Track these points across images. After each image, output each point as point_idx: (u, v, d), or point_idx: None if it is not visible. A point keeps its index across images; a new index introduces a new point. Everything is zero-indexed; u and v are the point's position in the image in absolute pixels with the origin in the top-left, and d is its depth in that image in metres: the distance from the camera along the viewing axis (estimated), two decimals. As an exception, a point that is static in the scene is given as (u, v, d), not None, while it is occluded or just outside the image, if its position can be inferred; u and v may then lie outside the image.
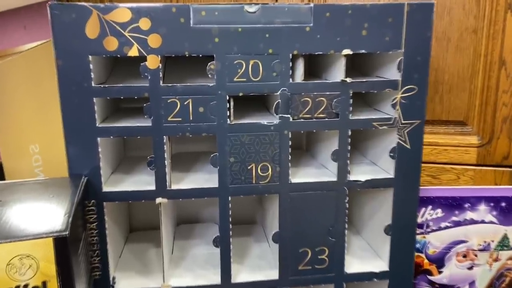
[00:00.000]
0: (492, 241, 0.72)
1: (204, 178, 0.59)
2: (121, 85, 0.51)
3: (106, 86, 0.51)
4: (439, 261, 0.73)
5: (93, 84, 0.51)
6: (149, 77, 0.51)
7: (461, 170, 0.91)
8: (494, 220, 0.71)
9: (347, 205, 0.58)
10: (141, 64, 0.51)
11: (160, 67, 0.51)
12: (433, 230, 0.72)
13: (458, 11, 0.85)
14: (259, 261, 0.63)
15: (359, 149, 0.69)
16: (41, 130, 0.73)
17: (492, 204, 0.70)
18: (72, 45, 0.49)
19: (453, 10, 0.83)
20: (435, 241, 0.72)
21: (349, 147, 0.57)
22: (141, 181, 0.58)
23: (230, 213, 0.56)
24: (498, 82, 0.86)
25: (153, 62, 0.51)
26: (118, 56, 0.50)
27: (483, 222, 0.71)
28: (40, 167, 0.75)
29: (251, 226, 0.74)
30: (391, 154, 0.58)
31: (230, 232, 0.57)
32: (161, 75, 0.51)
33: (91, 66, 0.50)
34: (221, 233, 0.57)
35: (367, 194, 0.65)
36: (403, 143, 0.57)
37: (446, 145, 0.89)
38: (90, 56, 0.50)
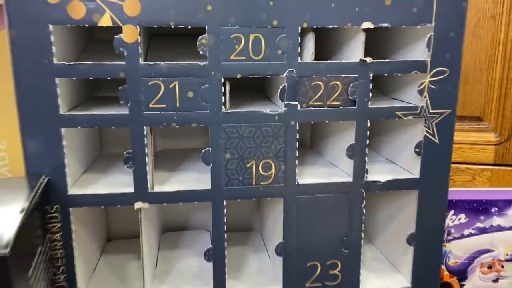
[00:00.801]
0: (522, 250, 0.63)
1: (194, 179, 0.49)
2: (90, 62, 0.41)
3: (71, 63, 0.41)
4: (461, 273, 0.64)
5: (54, 61, 0.41)
6: (126, 53, 0.41)
7: (477, 170, 0.82)
8: (525, 226, 0.62)
9: (364, 210, 0.49)
10: (116, 36, 0.41)
11: (139, 41, 0.41)
12: (455, 238, 0.63)
13: (476, -6, 0.76)
14: (259, 276, 0.53)
15: (371, 145, 0.60)
16: (7, 125, 0.64)
17: (522, 208, 0.62)
18: (28, 12, 0.39)
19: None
20: (457, 251, 0.63)
21: (367, 142, 0.47)
22: (118, 182, 0.48)
23: (225, 219, 0.47)
24: (519, 73, 0.78)
25: (130, 34, 0.41)
26: (86, 25, 0.40)
27: (511, 229, 0.62)
28: (6, 166, 0.66)
29: (247, 234, 0.65)
30: (417, 150, 0.48)
31: (225, 243, 0.47)
32: (140, 51, 0.41)
33: (52, 38, 0.40)
34: (214, 244, 0.47)
35: (384, 197, 0.56)
36: (431, 136, 0.48)
37: (460, 143, 0.81)
38: (50, 26, 0.40)
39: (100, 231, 0.60)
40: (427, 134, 0.48)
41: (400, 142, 0.52)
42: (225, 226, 0.47)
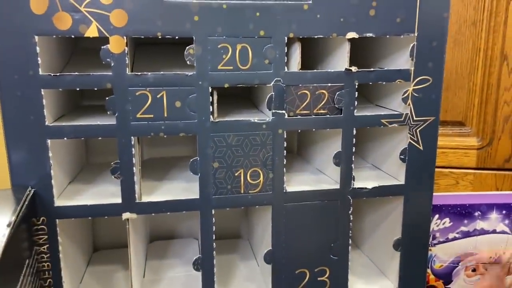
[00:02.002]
0: (504, 253, 0.65)
1: (182, 188, 0.49)
2: (76, 73, 0.41)
3: (57, 74, 0.41)
4: (446, 276, 0.65)
5: (40, 72, 0.40)
6: (113, 64, 0.41)
7: (460, 174, 0.84)
8: (507, 229, 0.64)
9: (351, 217, 0.50)
10: (102, 47, 0.41)
11: (126, 52, 0.41)
12: (440, 242, 0.64)
13: (456, 2, 0.78)
14: (248, 284, 0.53)
15: (357, 152, 0.61)
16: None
17: (504, 211, 0.63)
18: (14, 22, 0.39)
19: (451, 0, 0.76)
20: (442, 254, 0.64)
21: (353, 149, 0.48)
22: (105, 192, 0.48)
23: (214, 229, 0.47)
24: (499, 78, 0.80)
25: (117, 44, 0.41)
26: (73, 36, 0.40)
27: (494, 232, 0.64)
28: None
29: (235, 241, 0.65)
30: (402, 157, 0.49)
31: (214, 253, 0.47)
32: (127, 61, 0.41)
33: (37, 49, 0.40)
34: (203, 254, 0.47)
35: (370, 203, 0.57)
36: (415, 143, 0.49)
37: (444, 148, 0.82)
38: (36, 37, 0.39)
39: (86, 242, 0.59)
40: (411, 141, 0.49)
41: (386, 149, 0.53)
42: (214, 236, 0.47)
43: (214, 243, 0.47)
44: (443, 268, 0.64)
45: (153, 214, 0.46)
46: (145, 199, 0.46)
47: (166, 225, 0.64)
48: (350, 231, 0.50)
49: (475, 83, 0.82)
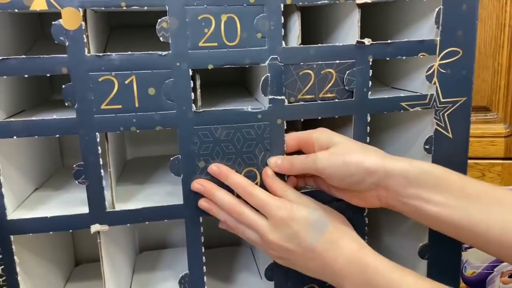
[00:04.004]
0: (546, 254, 0.56)
1: (166, 192, 0.42)
2: (23, 57, 0.33)
3: (1, 58, 0.33)
4: (480, 284, 0.57)
5: (-22, 56, 0.33)
6: (67, 43, 0.33)
7: (486, 165, 0.75)
8: (549, 228, 0.55)
9: (366, 219, 0.41)
10: (54, 23, 0.33)
11: (83, 27, 0.33)
12: (471, 246, 0.55)
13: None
14: (248, 303, 0.46)
15: (372, 144, 0.52)
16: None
17: (545, 207, 0.54)
18: None
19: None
20: (474, 260, 0.56)
21: (368, 139, 0.40)
22: (75, 200, 0.40)
23: (203, 240, 0.39)
24: (528, 56, 0.71)
25: (71, 19, 0.33)
26: (16, 10, 0.32)
27: (533, 231, 0.55)
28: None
29: (235, 249, 0.57)
30: (427, 147, 0.41)
31: (204, 268, 0.40)
32: (85, 40, 0.34)
33: (-28, 27, 0.32)
34: (191, 270, 0.40)
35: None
36: (442, 130, 0.41)
37: (467, 136, 0.74)
38: (-30, 12, 0.32)
39: (65, 255, 0.52)
40: (438, 128, 0.41)
41: (407, 139, 0.45)
42: (203, 248, 0.39)
43: (207, 251, 0.39)
44: (475, 275, 0.56)
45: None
46: (119, 207, 0.38)
47: (157, 234, 0.57)
48: (366, 236, 0.42)
49: (500, 63, 0.74)
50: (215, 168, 0.37)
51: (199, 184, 0.37)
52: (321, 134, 0.37)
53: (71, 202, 0.40)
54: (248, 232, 0.36)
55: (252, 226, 0.36)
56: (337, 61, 0.38)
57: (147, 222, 0.38)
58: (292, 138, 0.38)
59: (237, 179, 0.37)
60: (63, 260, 0.51)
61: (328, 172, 0.35)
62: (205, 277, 0.40)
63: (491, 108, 0.75)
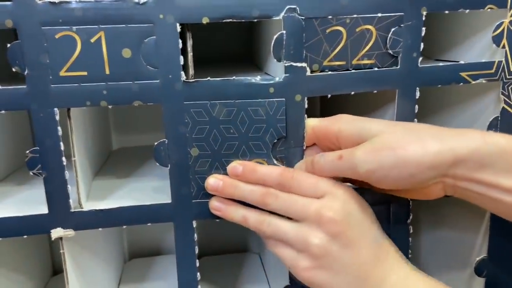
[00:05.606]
0: None
1: (153, 188, 0.33)
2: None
3: None
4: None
5: None
6: (10, -15, 0.24)
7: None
8: None
9: (410, 227, 0.32)
10: (-10, -44, 0.24)
11: (31, -37, 0.24)
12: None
13: None
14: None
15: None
16: None
17: None
18: None
19: None
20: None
21: (416, 121, 0.30)
22: (39, 197, 0.32)
23: (197, 249, 0.30)
24: None
25: (12, -51, 0.24)
26: None
27: None
28: None
29: (242, 256, 0.48)
30: (492, 130, 0.31)
31: (198, 276, 0.31)
32: (34, -19, 0.25)
33: None
34: (180, 282, 0.31)
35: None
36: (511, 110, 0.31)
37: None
38: None
39: (39, 263, 0.44)
40: (506, 106, 0.31)
41: (465, 120, 0.35)
42: (197, 261, 0.30)
43: (200, 269, 0.31)
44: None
45: (125, 226, 0.30)
46: (89, 206, 0.29)
47: (149, 238, 0.48)
48: (410, 250, 0.32)
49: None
50: (237, 165, 0.28)
51: (217, 178, 0.28)
52: (346, 124, 0.27)
53: (32, 199, 0.32)
54: (279, 223, 0.27)
55: (299, 210, 0.26)
56: (379, 15, 0.28)
57: (125, 226, 0.30)
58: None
59: (268, 168, 0.28)
60: (36, 269, 0.43)
61: (376, 176, 0.25)
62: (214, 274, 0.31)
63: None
